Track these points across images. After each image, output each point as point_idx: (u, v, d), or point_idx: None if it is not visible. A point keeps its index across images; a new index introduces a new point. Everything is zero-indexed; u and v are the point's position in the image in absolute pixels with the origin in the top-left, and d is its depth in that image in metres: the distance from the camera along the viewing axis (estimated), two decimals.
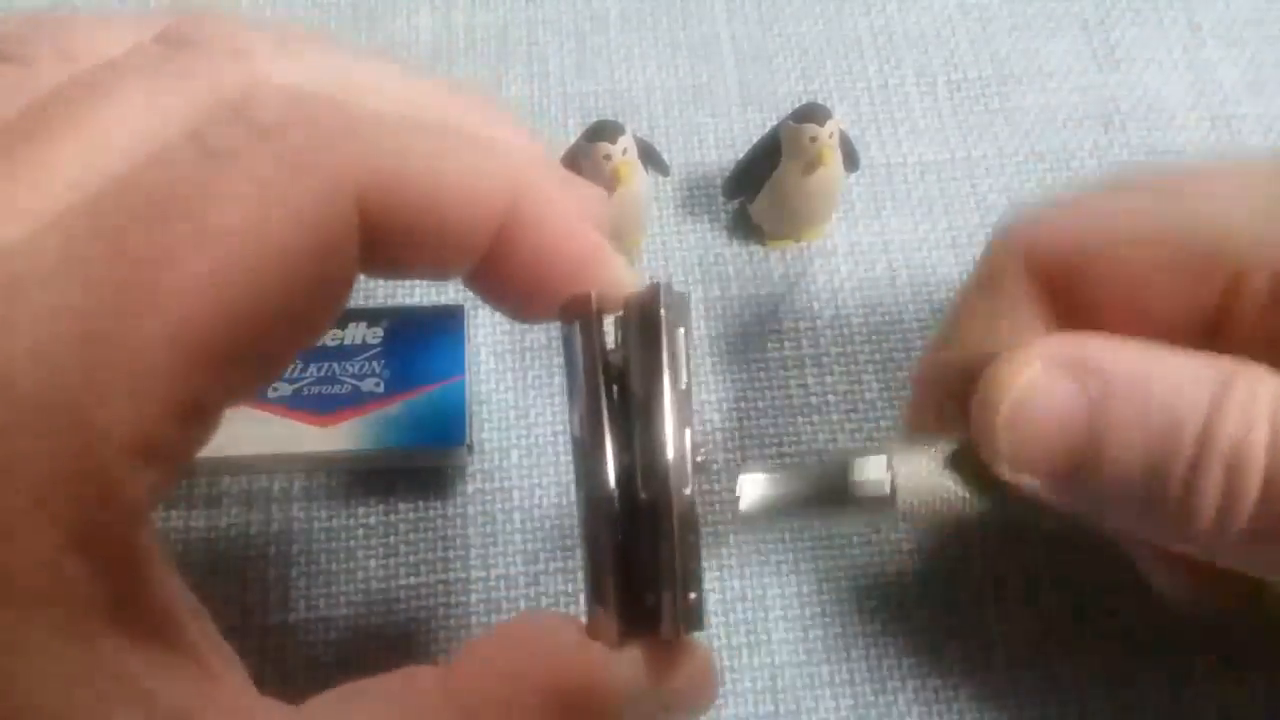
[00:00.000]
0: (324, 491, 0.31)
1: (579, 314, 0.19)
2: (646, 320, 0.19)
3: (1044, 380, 0.22)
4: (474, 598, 0.30)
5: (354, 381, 0.30)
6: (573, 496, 0.31)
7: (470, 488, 0.31)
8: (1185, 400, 0.21)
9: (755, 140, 0.34)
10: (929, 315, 0.33)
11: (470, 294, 0.21)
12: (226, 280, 0.16)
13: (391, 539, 0.30)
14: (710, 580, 0.30)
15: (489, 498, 0.31)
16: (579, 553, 0.29)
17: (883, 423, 0.32)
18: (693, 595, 0.18)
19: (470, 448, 0.30)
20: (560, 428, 0.32)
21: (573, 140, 0.32)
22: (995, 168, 0.36)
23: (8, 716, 0.15)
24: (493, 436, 0.32)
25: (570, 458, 0.20)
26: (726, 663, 0.29)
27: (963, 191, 0.36)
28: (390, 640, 0.29)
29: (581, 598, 0.28)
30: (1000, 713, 0.28)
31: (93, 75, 0.17)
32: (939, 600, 0.30)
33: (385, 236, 0.18)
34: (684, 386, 0.19)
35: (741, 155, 0.34)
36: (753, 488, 0.24)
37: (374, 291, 0.33)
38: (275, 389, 0.30)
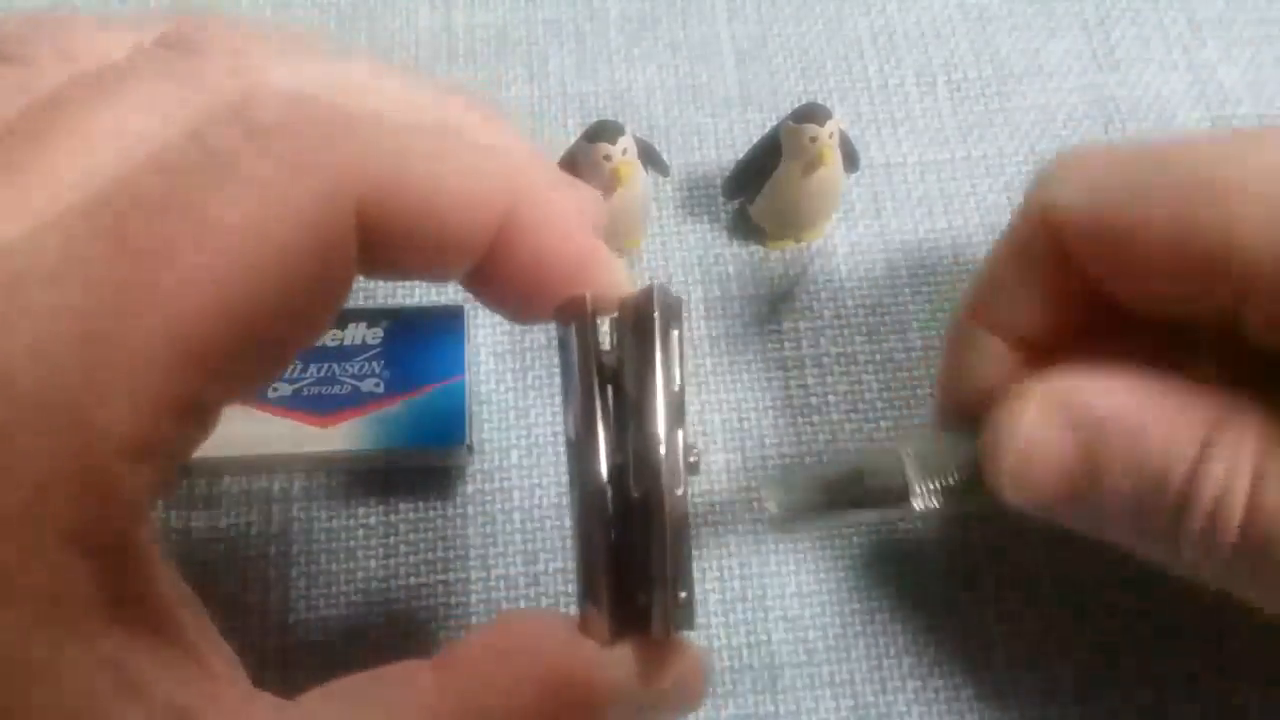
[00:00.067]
0: (324, 491, 0.31)
1: (574, 316, 0.19)
2: (641, 322, 0.19)
3: (1041, 432, 0.24)
4: (474, 598, 0.30)
5: (354, 382, 0.30)
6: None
7: (470, 488, 0.31)
8: (1173, 452, 0.22)
9: (755, 140, 0.34)
10: (930, 315, 0.33)
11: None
12: (226, 280, 0.16)
13: (391, 539, 0.30)
14: (710, 580, 0.30)
15: (489, 498, 0.31)
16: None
17: (883, 423, 0.32)
18: (683, 595, 0.18)
19: (470, 448, 0.30)
20: (560, 428, 0.32)
21: (573, 140, 0.32)
22: (995, 168, 0.36)
23: (8, 715, 0.15)
24: (493, 436, 0.32)
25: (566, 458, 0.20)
26: (726, 663, 0.29)
27: (963, 191, 0.36)
28: (390, 640, 0.29)
29: None
30: (1000, 713, 0.28)
31: (93, 76, 0.17)
32: (939, 600, 0.30)
33: (384, 238, 0.18)
34: (677, 387, 0.19)
35: (741, 155, 0.34)
36: (776, 494, 0.26)
37: (374, 292, 0.33)
38: (275, 389, 0.30)
